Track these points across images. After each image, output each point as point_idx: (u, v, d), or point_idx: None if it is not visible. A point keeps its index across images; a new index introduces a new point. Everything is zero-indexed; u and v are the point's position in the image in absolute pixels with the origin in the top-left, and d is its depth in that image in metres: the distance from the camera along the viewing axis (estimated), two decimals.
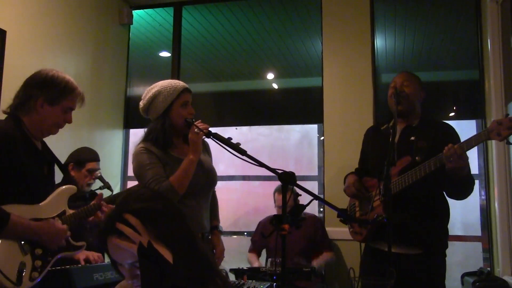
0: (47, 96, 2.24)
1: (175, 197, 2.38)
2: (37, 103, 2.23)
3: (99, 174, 3.24)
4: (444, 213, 2.76)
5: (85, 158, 3.33)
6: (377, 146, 2.89)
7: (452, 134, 2.76)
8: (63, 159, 2.53)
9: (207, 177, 2.65)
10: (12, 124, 2.19)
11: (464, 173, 2.47)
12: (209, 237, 2.73)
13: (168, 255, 1.24)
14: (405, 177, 2.60)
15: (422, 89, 2.90)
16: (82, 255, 2.88)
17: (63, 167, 2.47)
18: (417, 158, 2.63)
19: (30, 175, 2.21)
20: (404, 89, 2.79)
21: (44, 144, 2.40)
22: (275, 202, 4.07)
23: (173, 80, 2.69)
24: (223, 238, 2.80)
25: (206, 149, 2.79)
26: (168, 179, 2.44)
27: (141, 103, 2.68)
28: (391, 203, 2.34)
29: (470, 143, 2.42)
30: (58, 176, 2.52)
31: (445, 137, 2.68)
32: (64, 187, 2.41)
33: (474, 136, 2.43)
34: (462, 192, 2.70)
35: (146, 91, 2.67)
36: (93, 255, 2.94)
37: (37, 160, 2.29)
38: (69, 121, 2.34)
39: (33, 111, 2.23)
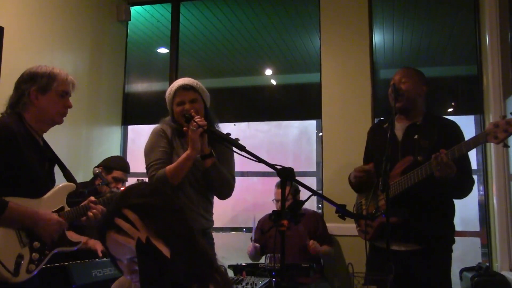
0: (38, 86, 2.30)
1: (167, 186, 2.43)
2: (31, 96, 2.29)
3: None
4: (448, 209, 2.74)
5: (113, 166, 3.57)
6: (379, 144, 2.87)
7: (457, 133, 2.72)
8: (61, 155, 2.55)
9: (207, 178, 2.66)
10: (15, 119, 2.25)
11: (451, 177, 2.45)
12: (209, 235, 2.75)
13: (166, 251, 1.24)
14: (405, 178, 2.59)
15: (424, 83, 2.84)
16: (99, 246, 3.03)
17: (63, 165, 2.50)
18: (419, 158, 2.62)
19: (33, 170, 2.27)
20: (401, 85, 2.77)
21: (44, 141, 2.44)
22: (275, 195, 4.08)
23: (178, 81, 2.75)
24: (221, 234, 2.80)
25: (221, 152, 2.72)
26: (165, 167, 2.50)
27: None
28: (390, 199, 2.34)
29: (461, 149, 2.42)
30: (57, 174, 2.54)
31: (449, 136, 2.66)
32: (64, 184, 2.45)
33: (472, 139, 2.44)
34: (457, 193, 2.70)
35: None
36: None
37: (39, 155, 2.34)
38: (69, 106, 2.40)
39: (30, 106, 2.29)
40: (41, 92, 2.30)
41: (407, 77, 2.81)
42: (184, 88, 2.66)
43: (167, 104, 2.75)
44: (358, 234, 2.95)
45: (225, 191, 2.74)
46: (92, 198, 2.49)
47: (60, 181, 2.51)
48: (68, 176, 2.50)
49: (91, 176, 3.53)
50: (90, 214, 2.42)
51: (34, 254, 2.21)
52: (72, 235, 2.42)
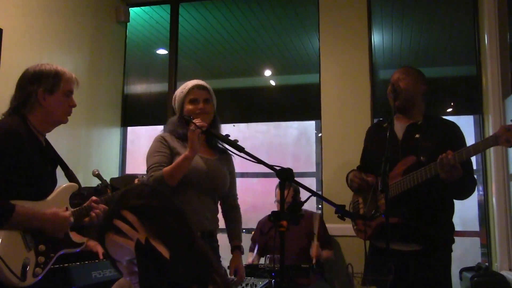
0: (45, 86, 2.28)
1: (165, 188, 2.45)
2: (38, 97, 2.26)
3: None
4: (448, 208, 2.73)
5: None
6: (379, 143, 2.85)
7: (458, 133, 2.72)
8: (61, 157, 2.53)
9: (212, 180, 2.67)
10: (18, 121, 2.22)
11: (456, 179, 2.44)
12: (214, 238, 2.75)
13: (166, 252, 1.24)
14: (408, 178, 2.57)
15: (423, 82, 2.82)
16: (100, 248, 2.97)
17: (65, 165, 2.48)
18: (422, 158, 2.61)
19: (37, 173, 2.25)
20: (400, 83, 2.76)
21: (47, 141, 2.42)
22: (275, 196, 4.08)
23: (192, 81, 2.81)
24: (220, 235, 2.80)
25: (228, 161, 2.84)
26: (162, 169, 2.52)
27: None
28: (391, 199, 2.33)
29: (469, 152, 2.39)
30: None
31: (450, 137, 2.65)
32: (66, 184, 2.44)
33: (481, 142, 2.42)
34: (459, 195, 2.69)
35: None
36: None
37: (42, 156, 2.31)
38: (74, 105, 2.39)
39: (37, 107, 2.27)
40: (49, 93, 2.29)
41: (405, 75, 2.80)
42: (199, 87, 2.75)
43: (176, 103, 2.77)
44: (355, 233, 2.94)
45: None
46: (94, 198, 2.46)
47: (62, 181, 2.49)
48: (71, 176, 2.48)
49: (91, 177, 3.51)
50: (93, 214, 2.39)
51: (40, 257, 2.19)
52: (74, 236, 2.40)
